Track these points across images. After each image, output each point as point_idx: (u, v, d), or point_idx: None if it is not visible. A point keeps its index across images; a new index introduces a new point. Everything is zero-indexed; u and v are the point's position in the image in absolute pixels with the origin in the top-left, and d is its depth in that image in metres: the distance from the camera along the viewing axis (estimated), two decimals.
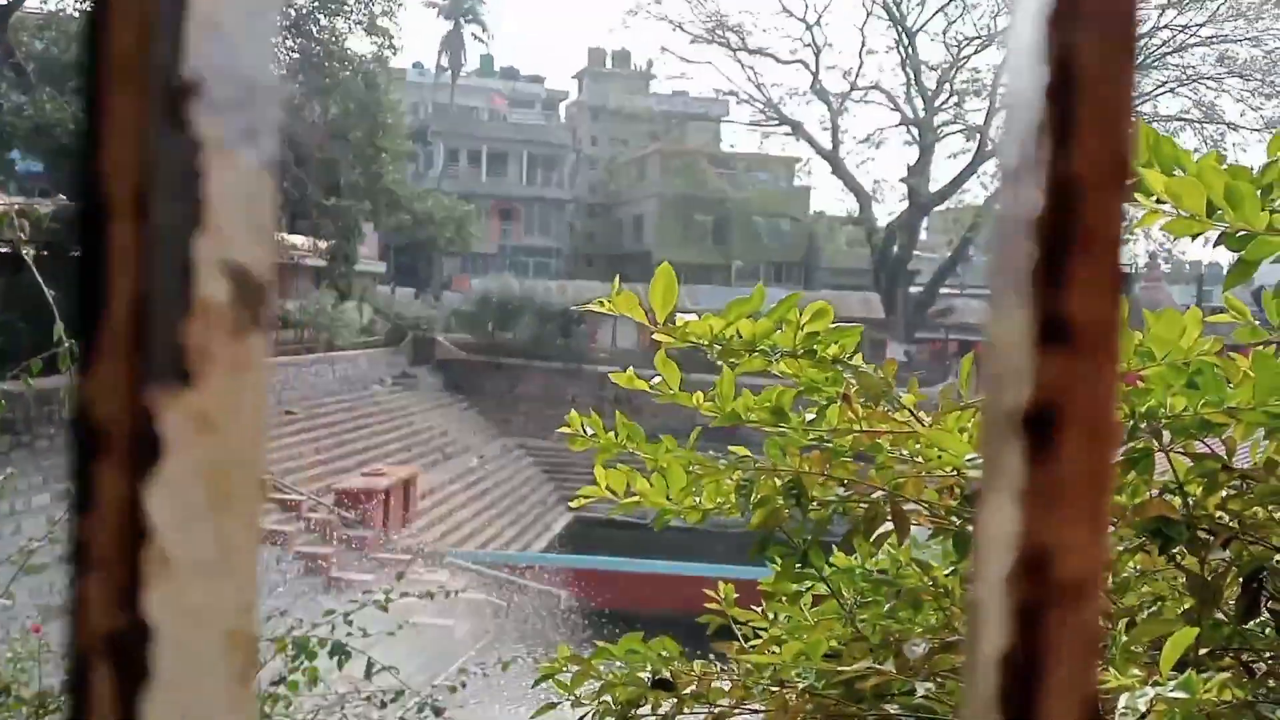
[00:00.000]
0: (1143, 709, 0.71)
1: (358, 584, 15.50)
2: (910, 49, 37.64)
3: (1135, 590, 1.18)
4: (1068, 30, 0.16)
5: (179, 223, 0.15)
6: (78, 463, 0.14)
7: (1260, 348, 1.12)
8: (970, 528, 1.30)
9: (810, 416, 1.26)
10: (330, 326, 28.47)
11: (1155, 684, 0.72)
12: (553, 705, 1.37)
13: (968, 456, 1.05)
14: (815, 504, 1.26)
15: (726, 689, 1.27)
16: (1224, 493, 1.12)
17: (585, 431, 1.50)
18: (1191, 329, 1.05)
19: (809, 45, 37.45)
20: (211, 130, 0.15)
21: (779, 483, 1.24)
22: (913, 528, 1.44)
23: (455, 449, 27.68)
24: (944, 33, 37.51)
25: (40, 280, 3.28)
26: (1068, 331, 0.15)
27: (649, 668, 1.27)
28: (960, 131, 38.48)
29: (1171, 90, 35.21)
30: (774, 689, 1.19)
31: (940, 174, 39.70)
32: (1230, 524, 1.06)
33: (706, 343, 1.14)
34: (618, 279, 1.25)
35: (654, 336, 1.19)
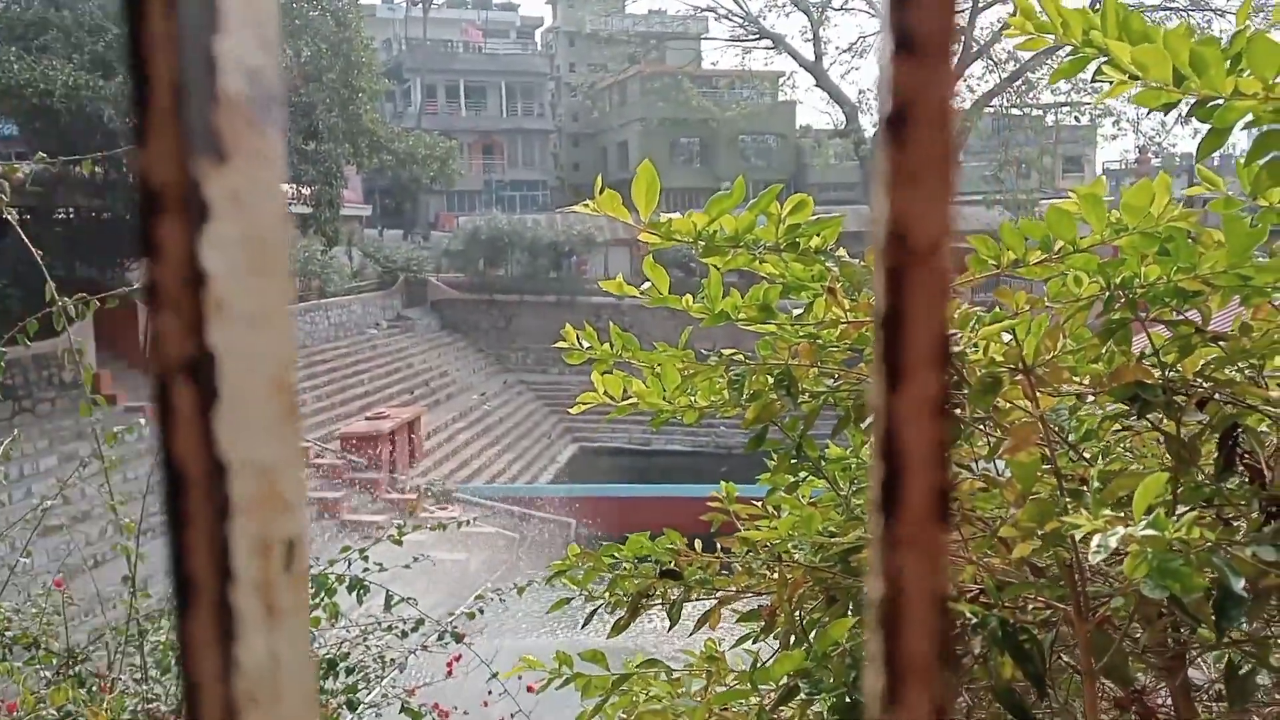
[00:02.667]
0: (1113, 546, 0.76)
1: (370, 525, 15.78)
2: None
3: (1118, 454, 1.23)
4: None
5: (202, 23, 0.17)
6: (143, 222, 0.17)
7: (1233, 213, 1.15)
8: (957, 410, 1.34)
9: (798, 312, 1.29)
10: (320, 273, 28.33)
11: (1127, 525, 0.77)
12: (567, 601, 1.43)
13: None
14: (806, 395, 1.30)
15: (730, 577, 1.33)
16: (1202, 358, 1.15)
17: (581, 345, 1.54)
18: (1161, 196, 1.08)
19: None
20: None
21: (770, 378, 1.28)
22: None
23: (456, 388, 27.83)
24: None
25: (27, 242, 3.28)
26: (913, 42, 0.17)
27: (656, 560, 1.33)
28: None
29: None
30: (773, 564, 1.25)
31: None
32: (1204, 386, 1.11)
33: (691, 239, 1.17)
34: (599, 178, 1.27)
35: (639, 236, 1.21)
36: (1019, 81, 34.99)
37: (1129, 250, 1.10)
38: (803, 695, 1.07)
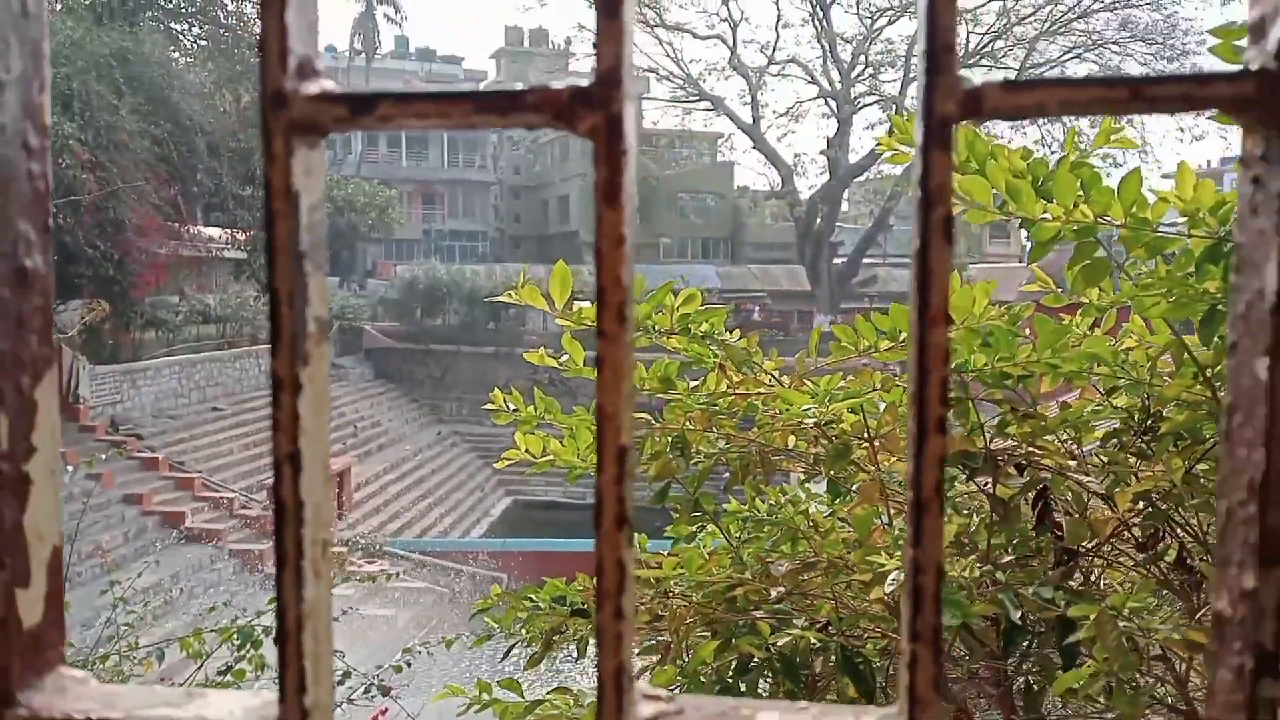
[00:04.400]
0: (900, 581, 0.98)
1: None
2: (825, 22, 38.23)
3: (960, 512, 1.46)
4: None
5: None
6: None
7: (1039, 311, 1.40)
8: (836, 474, 1.56)
9: (694, 384, 1.51)
10: (253, 320, 27.95)
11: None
12: (489, 637, 1.60)
13: (804, 407, 1.31)
14: (701, 456, 1.51)
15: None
16: (1024, 429, 1.39)
17: (508, 407, 1.73)
18: (980, 299, 1.32)
19: (725, 20, 37.78)
20: None
21: (668, 439, 1.49)
22: (794, 475, 1.71)
23: (388, 439, 27.53)
24: (857, 4, 38.12)
25: None
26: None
27: (568, 600, 1.52)
28: (877, 102, 39.30)
29: (1078, 56, 36.40)
30: (663, 600, 1.45)
31: (859, 145, 40.47)
32: (1021, 455, 1.34)
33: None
34: (523, 273, 1.48)
35: (556, 320, 1.42)
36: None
37: (959, 342, 1.34)
38: None
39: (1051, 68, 36.22)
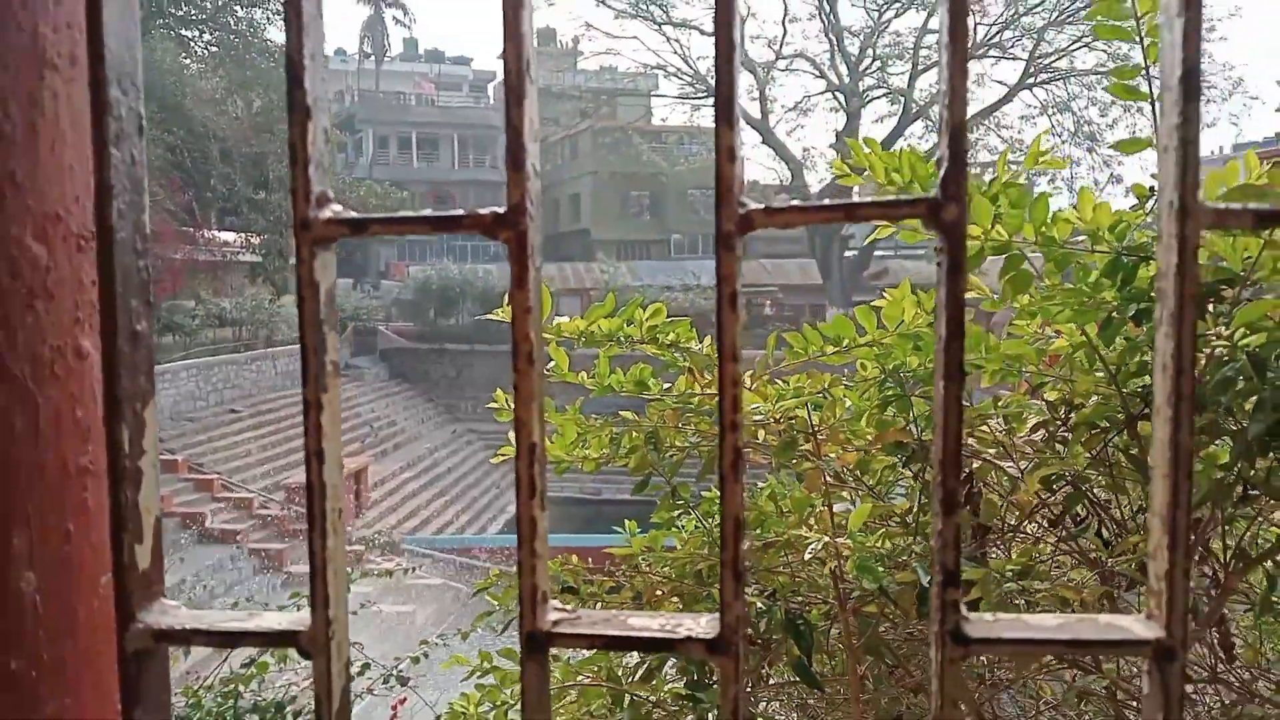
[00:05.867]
0: (817, 550, 1.15)
1: None
2: (831, 15, 38.24)
3: (878, 499, 1.65)
4: None
5: None
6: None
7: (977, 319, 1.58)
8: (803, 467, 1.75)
9: (666, 385, 1.69)
10: (268, 322, 28.31)
11: (837, 536, 1.17)
12: (489, 614, 1.80)
13: (753, 405, 1.49)
14: (674, 450, 1.70)
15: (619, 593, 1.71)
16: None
17: (509, 405, 1.92)
18: (909, 308, 1.50)
19: None
20: None
21: (642, 435, 1.68)
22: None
23: (405, 438, 27.86)
24: None
25: None
26: None
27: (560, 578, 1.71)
28: (885, 95, 39.32)
29: (1087, 45, 36.27)
30: (635, 574, 1.64)
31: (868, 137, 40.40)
32: None
33: (575, 337, 1.57)
34: (507, 297, 1.67)
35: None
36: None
37: (896, 345, 1.52)
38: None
39: (1060, 57, 36.21)
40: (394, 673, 6.34)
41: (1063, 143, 36.74)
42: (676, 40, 38.34)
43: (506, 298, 1.56)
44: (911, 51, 37.38)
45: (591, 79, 49.00)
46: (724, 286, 0.54)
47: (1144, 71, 1.48)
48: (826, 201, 0.55)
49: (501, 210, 0.55)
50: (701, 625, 0.57)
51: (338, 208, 0.56)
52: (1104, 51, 35.63)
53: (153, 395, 0.59)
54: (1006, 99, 37.10)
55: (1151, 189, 1.47)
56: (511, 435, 1.88)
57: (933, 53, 37.46)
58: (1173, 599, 0.51)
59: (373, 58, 51.16)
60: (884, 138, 37.82)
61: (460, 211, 0.54)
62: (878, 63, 39.10)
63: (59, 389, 0.57)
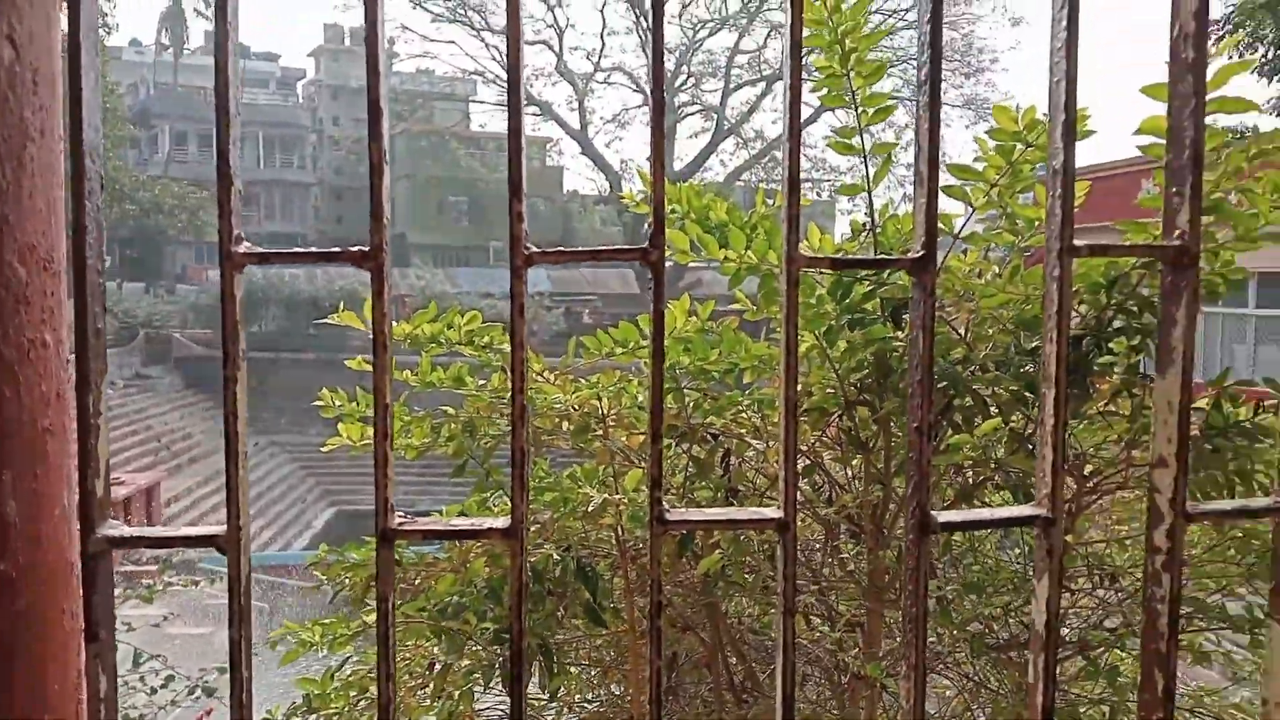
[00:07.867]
0: (594, 505, 1.47)
1: None
2: (648, 31, 39.30)
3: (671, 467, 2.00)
4: None
5: None
6: None
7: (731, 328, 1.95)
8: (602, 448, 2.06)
9: (482, 382, 1.97)
10: None
11: (615, 495, 1.49)
12: (318, 587, 2.00)
13: (552, 397, 1.80)
14: (487, 437, 1.98)
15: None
16: (717, 408, 1.94)
17: (335, 404, 2.13)
18: (680, 315, 1.86)
19: (551, 26, 38.30)
20: None
21: (459, 425, 1.94)
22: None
23: (201, 451, 26.38)
24: (679, 15, 39.46)
25: None
26: None
27: None
28: (699, 111, 40.82)
29: (885, 74, 38.88)
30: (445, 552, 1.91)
31: (683, 152, 41.90)
32: (716, 427, 1.89)
33: (402, 339, 1.82)
34: (340, 306, 1.90)
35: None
36: (766, 158, 38.52)
37: (669, 348, 1.86)
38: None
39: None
40: (200, 684, 6.21)
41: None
42: (495, 48, 38.27)
43: (367, 307, 1.77)
44: (724, 70, 39.05)
45: (407, 81, 48.08)
46: (515, 300, 0.83)
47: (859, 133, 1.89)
48: (583, 249, 0.86)
49: (367, 248, 0.82)
50: (500, 521, 0.86)
51: (248, 244, 0.82)
52: (899, 78, 38.53)
53: (105, 373, 0.83)
54: (812, 118, 39.34)
55: (864, 224, 1.89)
56: (323, 446, 2.13)
57: (744, 72, 39.31)
58: (1055, 490, 0.85)
59: (170, 50, 48.05)
60: (698, 153, 39.41)
61: (338, 249, 0.81)
62: (692, 80, 40.56)
63: (31, 370, 0.78)
